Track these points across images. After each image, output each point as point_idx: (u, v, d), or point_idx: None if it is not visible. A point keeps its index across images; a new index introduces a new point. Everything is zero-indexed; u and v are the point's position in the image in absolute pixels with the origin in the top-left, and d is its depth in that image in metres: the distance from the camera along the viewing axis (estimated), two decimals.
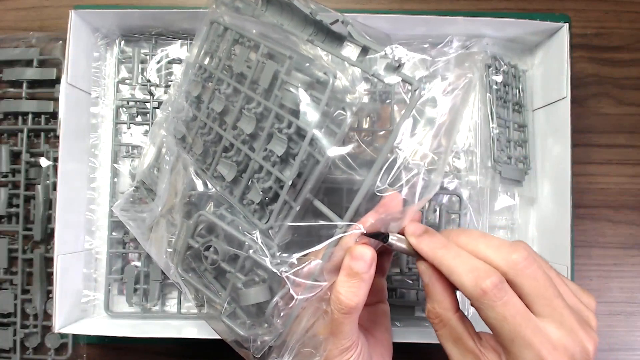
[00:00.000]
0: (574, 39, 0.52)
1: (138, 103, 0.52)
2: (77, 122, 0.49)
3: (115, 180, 0.51)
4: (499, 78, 0.49)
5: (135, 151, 0.51)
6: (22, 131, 0.52)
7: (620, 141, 0.53)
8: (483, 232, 0.32)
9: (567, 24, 0.46)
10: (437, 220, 0.47)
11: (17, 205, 0.51)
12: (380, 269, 0.35)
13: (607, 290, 0.52)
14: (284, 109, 0.32)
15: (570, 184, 0.45)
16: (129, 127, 0.51)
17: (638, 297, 0.51)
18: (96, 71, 0.51)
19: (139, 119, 0.52)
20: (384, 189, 0.31)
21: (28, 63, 0.52)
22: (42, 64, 0.53)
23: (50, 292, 0.50)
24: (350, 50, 0.33)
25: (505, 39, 0.50)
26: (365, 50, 0.32)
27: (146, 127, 0.51)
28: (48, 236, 0.51)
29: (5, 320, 0.51)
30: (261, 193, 0.33)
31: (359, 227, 0.31)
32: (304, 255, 0.32)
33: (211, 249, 0.36)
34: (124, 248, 0.50)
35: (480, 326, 0.30)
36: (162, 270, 0.49)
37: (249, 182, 0.35)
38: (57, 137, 0.49)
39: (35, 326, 0.50)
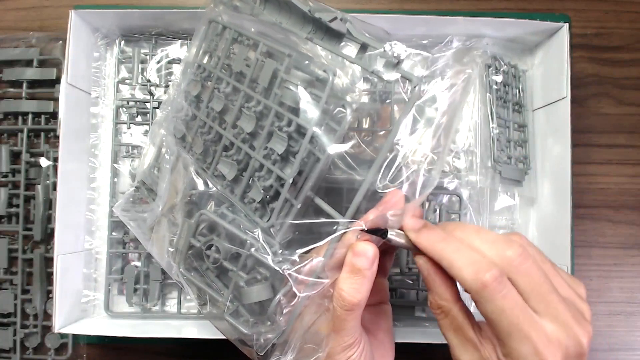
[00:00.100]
0: (574, 39, 0.52)
1: (138, 103, 0.52)
2: (77, 122, 0.49)
3: (115, 180, 0.51)
4: (499, 78, 0.49)
5: (135, 151, 0.51)
6: (22, 131, 0.52)
7: (620, 141, 0.53)
8: (478, 226, 0.32)
9: (567, 24, 0.46)
10: (437, 220, 0.48)
11: (17, 205, 0.51)
12: (382, 269, 0.35)
13: (607, 290, 0.52)
14: (284, 107, 0.32)
15: (570, 184, 0.45)
16: (129, 127, 0.51)
17: (638, 297, 0.51)
18: (96, 71, 0.51)
19: (139, 119, 0.52)
20: (385, 186, 0.31)
21: (28, 63, 0.53)
22: (42, 64, 0.53)
23: (50, 292, 0.50)
24: (349, 49, 0.33)
25: (505, 39, 0.50)
26: (364, 48, 0.32)
27: (146, 127, 0.51)
28: (48, 236, 0.51)
29: (5, 320, 0.51)
30: (262, 191, 0.33)
31: (360, 224, 0.31)
32: (306, 253, 0.32)
33: (213, 248, 0.36)
34: (124, 248, 0.50)
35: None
36: (162, 270, 0.49)
37: (250, 181, 0.35)
38: (57, 137, 0.49)
39: (35, 326, 0.50)
